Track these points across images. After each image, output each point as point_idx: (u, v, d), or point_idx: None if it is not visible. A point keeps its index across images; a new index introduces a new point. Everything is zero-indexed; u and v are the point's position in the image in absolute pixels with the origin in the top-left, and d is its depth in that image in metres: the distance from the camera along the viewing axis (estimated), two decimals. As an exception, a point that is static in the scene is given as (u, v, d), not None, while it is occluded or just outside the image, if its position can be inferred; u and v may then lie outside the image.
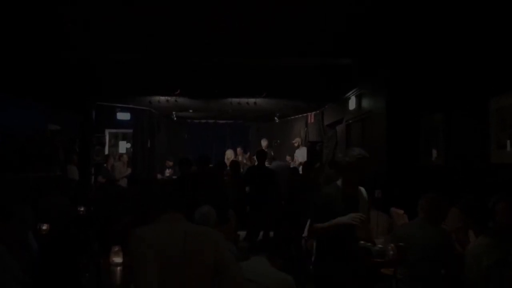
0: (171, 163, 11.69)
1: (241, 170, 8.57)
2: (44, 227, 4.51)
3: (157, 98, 10.10)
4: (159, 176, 11.27)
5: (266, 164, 8.03)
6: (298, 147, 11.36)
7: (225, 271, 2.23)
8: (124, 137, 12.44)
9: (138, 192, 5.78)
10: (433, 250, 3.35)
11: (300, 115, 12.54)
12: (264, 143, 11.78)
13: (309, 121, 12.00)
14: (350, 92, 8.30)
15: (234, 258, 2.38)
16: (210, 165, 8.87)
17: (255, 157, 10.61)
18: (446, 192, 3.81)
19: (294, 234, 5.49)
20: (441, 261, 3.37)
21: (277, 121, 13.08)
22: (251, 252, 2.82)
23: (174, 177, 10.57)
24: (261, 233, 7.39)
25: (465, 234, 3.81)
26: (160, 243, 2.14)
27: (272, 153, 11.07)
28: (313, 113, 11.68)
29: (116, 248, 3.57)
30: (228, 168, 8.36)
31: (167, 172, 11.60)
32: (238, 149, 12.20)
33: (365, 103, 7.66)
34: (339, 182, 3.23)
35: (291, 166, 9.66)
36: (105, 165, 10.33)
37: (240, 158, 11.55)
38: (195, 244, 2.19)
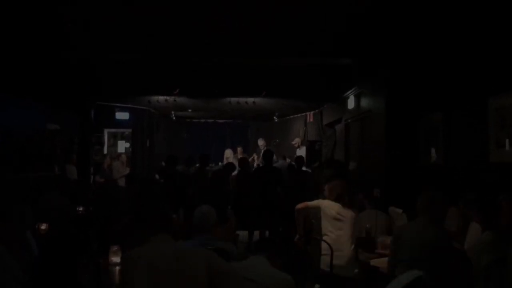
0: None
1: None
2: (43, 226, 4.51)
3: (156, 97, 10.09)
4: (156, 176, 11.26)
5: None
6: (298, 147, 11.38)
7: (222, 276, 2.26)
8: (123, 137, 12.44)
9: (136, 192, 5.78)
10: (430, 250, 3.32)
11: (299, 115, 12.55)
12: (260, 142, 11.86)
13: (308, 121, 12.01)
14: (349, 92, 8.30)
15: (230, 266, 2.40)
16: (211, 165, 8.94)
17: (256, 156, 10.68)
18: (445, 191, 3.81)
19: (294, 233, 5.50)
20: (439, 261, 3.33)
21: (276, 120, 13.08)
22: (250, 252, 2.82)
23: None
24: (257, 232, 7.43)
25: (464, 234, 3.81)
26: (151, 265, 2.17)
27: None
28: (312, 112, 11.68)
29: (115, 248, 3.58)
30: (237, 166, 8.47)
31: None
32: (239, 149, 12.21)
33: (364, 102, 7.66)
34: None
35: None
36: (103, 164, 10.34)
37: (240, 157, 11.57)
38: (186, 263, 2.21)
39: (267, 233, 7.41)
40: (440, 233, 3.47)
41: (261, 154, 9.00)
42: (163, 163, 11.68)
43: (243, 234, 6.85)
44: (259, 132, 14.42)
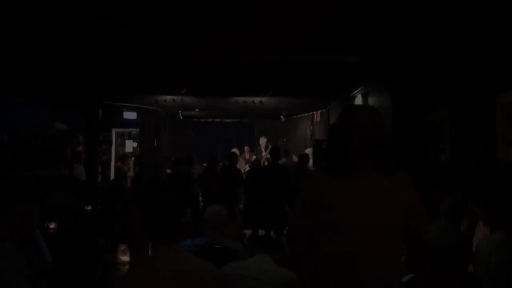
0: None
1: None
2: (52, 225, 4.55)
3: (163, 97, 10.12)
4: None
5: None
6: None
7: None
8: (131, 136, 12.51)
9: (143, 191, 5.82)
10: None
11: (306, 114, 12.54)
12: (263, 140, 11.68)
13: (315, 120, 12.00)
14: (356, 90, 8.28)
15: None
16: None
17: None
18: (451, 189, 3.79)
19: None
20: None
21: (283, 119, 13.07)
22: (255, 250, 2.82)
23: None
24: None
25: (473, 233, 3.77)
26: None
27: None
28: (319, 111, 11.67)
29: (123, 247, 3.59)
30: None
31: (169, 170, 11.62)
32: (246, 148, 12.21)
33: (371, 101, 7.64)
34: None
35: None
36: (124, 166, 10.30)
37: (247, 157, 11.58)
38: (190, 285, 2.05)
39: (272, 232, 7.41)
40: (462, 238, 3.37)
41: (268, 151, 8.99)
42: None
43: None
44: (265, 131, 14.43)
